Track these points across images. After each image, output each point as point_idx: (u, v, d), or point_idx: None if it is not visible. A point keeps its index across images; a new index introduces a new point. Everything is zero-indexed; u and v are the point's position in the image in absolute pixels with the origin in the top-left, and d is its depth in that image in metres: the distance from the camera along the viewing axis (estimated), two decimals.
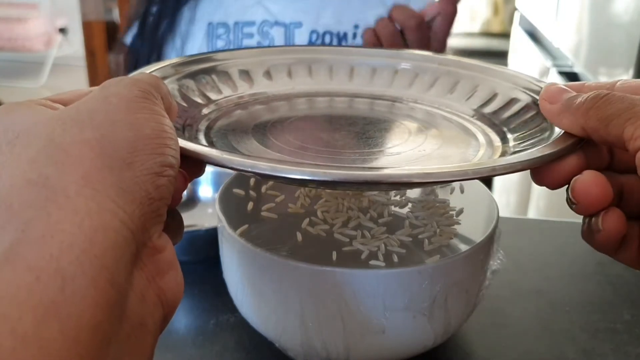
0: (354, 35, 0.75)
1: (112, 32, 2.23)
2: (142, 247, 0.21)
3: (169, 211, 0.24)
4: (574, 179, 0.26)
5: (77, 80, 2.70)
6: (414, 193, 0.47)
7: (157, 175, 0.22)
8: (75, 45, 2.91)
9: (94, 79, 2.42)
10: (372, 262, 0.39)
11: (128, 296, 0.20)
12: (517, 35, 1.98)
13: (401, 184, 0.33)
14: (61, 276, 0.18)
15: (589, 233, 0.27)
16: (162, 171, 0.22)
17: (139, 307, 0.21)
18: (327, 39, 0.75)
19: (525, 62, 1.78)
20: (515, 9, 2.06)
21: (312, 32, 0.74)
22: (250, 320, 0.41)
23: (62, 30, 3.01)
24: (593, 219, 0.27)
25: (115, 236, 0.20)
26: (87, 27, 2.41)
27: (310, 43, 0.74)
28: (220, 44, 0.75)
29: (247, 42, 0.74)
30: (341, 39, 0.75)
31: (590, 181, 0.26)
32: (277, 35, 0.74)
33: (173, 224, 0.26)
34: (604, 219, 0.26)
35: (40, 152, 0.21)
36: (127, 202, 0.21)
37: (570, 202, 0.27)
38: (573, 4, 1.42)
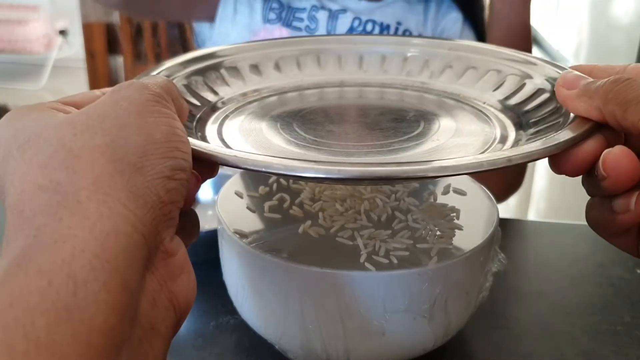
0: (396, 30, 0.76)
1: (112, 33, 2.23)
2: (154, 251, 0.21)
3: (184, 211, 0.24)
4: (606, 151, 0.26)
5: (77, 82, 2.70)
6: (413, 195, 0.47)
7: (168, 178, 0.22)
8: (75, 47, 2.91)
9: (94, 80, 2.42)
10: (372, 264, 0.39)
11: (140, 300, 0.20)
12: None
13: (416, 178, 0.33)
14: (73, 281, 0.18)
15: (606, 213, 0.27)
16: (173, 174, 0.22)
17: (150, 311, 0.21)
18: (369, 27, 0.76)
19: None
20: None
21: (355, 18, 0.76)
22: (250, 322, 0.41)
23: (62, 32, 3.01)
24: (619, 200, 0.26)
25: (127, 240, 0.20)
26: (87, 29, 2.40)
27: (351, 29, 0.75)
28: (272, 15, 0.78)
29: (296, 24, 0.77)
30: (384, 29, 0.76)
31: (621, 154, 0.26)
32: (322, 19, 0.77)
33: (188, 223, 0.26)
34: (638, 200, 0.26)
35: (51, 158, 0.21)
36: (139, 206, 0.21)
37: (598, 178, 0.26)
38: (573, 6, 1.42)
